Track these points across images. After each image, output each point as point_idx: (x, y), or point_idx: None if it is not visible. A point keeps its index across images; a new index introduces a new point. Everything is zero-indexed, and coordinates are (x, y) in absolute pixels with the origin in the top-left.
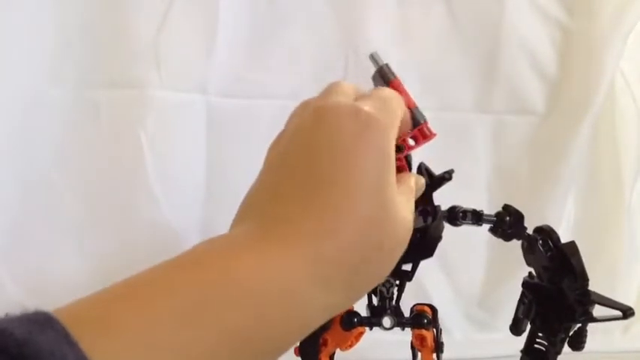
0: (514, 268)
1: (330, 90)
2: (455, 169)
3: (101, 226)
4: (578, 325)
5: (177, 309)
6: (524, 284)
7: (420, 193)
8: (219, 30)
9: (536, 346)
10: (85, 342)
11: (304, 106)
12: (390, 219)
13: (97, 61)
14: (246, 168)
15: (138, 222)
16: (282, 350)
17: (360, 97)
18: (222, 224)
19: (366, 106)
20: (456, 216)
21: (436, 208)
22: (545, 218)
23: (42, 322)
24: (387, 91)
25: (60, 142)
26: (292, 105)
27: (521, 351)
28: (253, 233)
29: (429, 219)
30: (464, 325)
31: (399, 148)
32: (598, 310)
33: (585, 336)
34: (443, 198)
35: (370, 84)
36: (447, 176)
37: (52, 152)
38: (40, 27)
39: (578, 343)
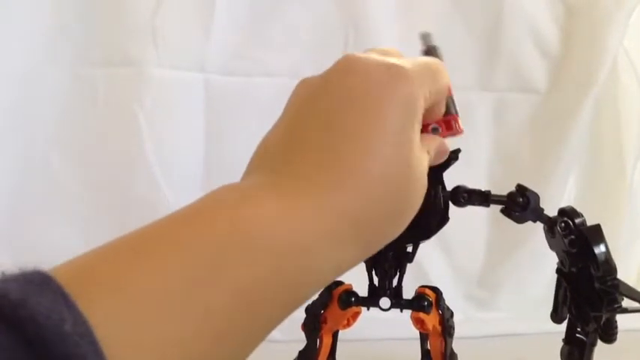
0: (514, 247)
1: (369, 49)
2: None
3: (99, 205)
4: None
5: (188, 266)
6: (557, 270)
7: (440, 160)
8: (217, 7)
9: (577, 335)
10: (84, 303)
11: (303, 82)
12: (408, 177)
13: (94, 39)
14: (245, 146)
15: (136, 200)
16: (296, 306)
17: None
18: None
19: (399, 62)
20: (460, 196)
21: (438, 190)
22: (546, 197)
23: (39, 282)
24: (431, 59)
25: (57, 121)
26: (291, 83)
27: (563, 340)
28: (265, 184)
29: (431, 198)
30: (464, 304)
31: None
32: (627, 301)
33: (615, 327)
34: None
35: None
36: (454, 156)
37: (50, 131)
38: (37, 4)
39: (607, 335)
